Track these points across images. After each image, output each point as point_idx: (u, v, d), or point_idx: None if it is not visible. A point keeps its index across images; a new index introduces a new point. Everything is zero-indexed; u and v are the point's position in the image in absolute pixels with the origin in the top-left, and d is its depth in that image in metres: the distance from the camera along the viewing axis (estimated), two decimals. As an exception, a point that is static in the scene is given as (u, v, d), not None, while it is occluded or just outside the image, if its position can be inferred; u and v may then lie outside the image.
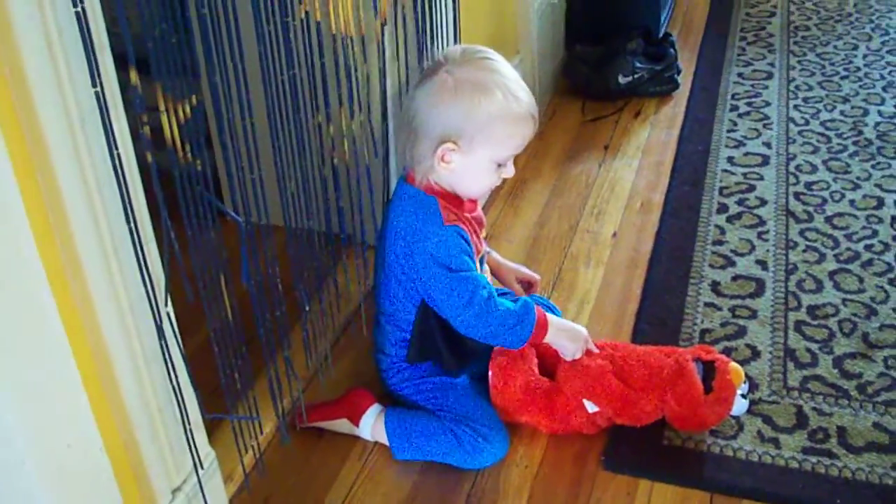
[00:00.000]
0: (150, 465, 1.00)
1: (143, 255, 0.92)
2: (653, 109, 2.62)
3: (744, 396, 1.48)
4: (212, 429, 1.42)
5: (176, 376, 1.00)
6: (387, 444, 1.48)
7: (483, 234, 1.55)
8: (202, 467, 1.07)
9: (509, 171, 1.45)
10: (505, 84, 1.38)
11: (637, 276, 1.89)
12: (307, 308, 1.41)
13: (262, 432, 1.40)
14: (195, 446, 1.05)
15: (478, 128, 1.36)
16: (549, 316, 1.47)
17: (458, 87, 1.36)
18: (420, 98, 1.39)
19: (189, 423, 1.03)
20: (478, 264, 1.48)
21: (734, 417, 1.50)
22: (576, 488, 1.42)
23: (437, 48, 1.78)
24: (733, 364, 1.49)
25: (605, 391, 1.46)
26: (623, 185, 2.25)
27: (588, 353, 1.51)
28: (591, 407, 1.47)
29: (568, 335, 1.49)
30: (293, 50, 1.26)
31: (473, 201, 1.51)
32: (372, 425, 1.49)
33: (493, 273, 1.64)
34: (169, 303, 0.98)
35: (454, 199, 1.45)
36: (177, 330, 1.00)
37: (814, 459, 1.44)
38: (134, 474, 0.99)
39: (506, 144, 1.40)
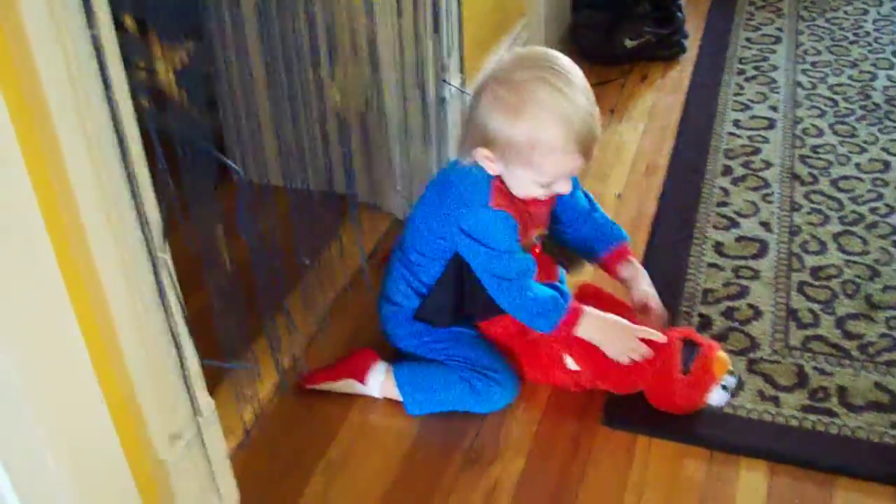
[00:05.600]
0: (148, 411, 1.01)
1: (140, 199, 0.92)
2: (659, 73, 2.60)
3: (725, 388, 1.42)
4: (213, 385, 1.43)
5: (174, 322, 1.00)
6: (398, 399, 1.48)
7: (538, 233, 1.51)
8: (201, 414, 1.07)
9: (561, 188, 1.37)
10: (547, 106, 1.28)
11: (640, 236, 1.88)
12: (306, 262, 1.41)
13: (259, 376, 1.40)
14: (193, 393, 1.05)
15: (514, 149, 1.30)
16: (591, 311, 1.44)
17: (499, 97, 1.30)
18: (475, 91, 1.36)
19: (187, 370, 1.04)
20: None
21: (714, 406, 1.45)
22: (575, 443, 1.42)
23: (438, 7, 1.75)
24: (720, 353, 1.44)
25: (583, 351, 1.46)
26: (628, 147, 2.24)
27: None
28: (571, 364, 1.47)
29: (611, 332, 1.44)
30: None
31: (539, 203, 1.43)
32: (381, 382, 1.49)
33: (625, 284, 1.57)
34: (167, 248, 0.98)
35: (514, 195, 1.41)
36: (174, 276, 1.00)
37: (813, 418, 1.44)
38: (132, 419, 1.00)
39: (545, 170, 1.32)
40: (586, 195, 1.60)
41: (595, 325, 1.44)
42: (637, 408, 1.47)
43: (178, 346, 1.02)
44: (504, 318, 1.49)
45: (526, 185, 1.37)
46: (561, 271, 1.59)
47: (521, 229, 1.41)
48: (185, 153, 1.09)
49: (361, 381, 1.50)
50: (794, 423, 1.43)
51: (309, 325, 1.64)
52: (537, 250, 1.51)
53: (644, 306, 1.52)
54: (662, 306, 1.54)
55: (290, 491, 1.36)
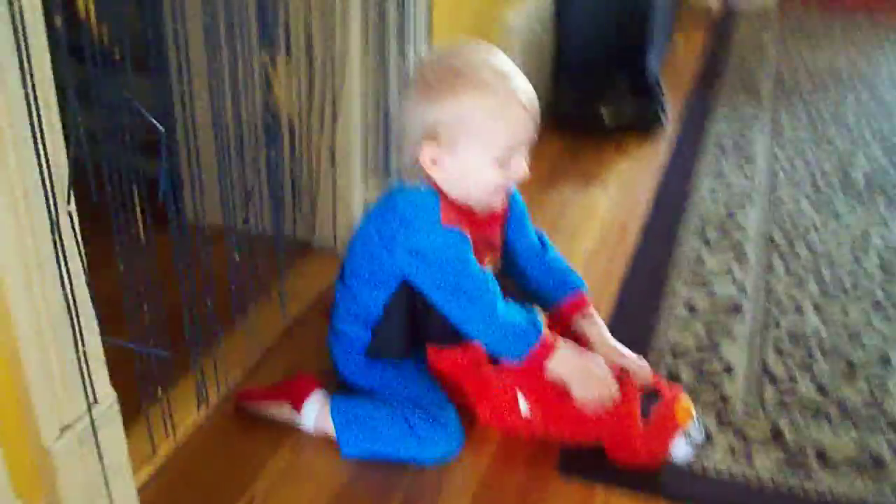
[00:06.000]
0: (36, 395, 0.88)
1: (44, 141, 0.81)
2: (636, 146, 2.54)
3: (689, 438, 1.29)
4: (132, 411, 1.28)
5: (73, 290, 0.88)
6: (331, 436, 1.34)
7: (490, 260, 1.40)
8: (97, 404, 0.94)
9: (518, 170, 1.31)
10: (482, 70, 1.26)
11: (608, 292, 1.78)
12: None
13: (170, 368, 1.25)
14: (90, 378, 0.92)
15: (457, 121, 1.25)
16: (568, 347, 1.32)
17: (432, 82, 1.27)
18: (401, 105, 1.32)
19: (85, 347, 0.91)
20: None
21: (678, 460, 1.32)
22: (524, 492, 1.28)
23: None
24: (684, 399, 1.32)
25: (538, 386, 1.33)
26: (600, 211, 2.15)
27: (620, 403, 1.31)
28: (523, 405, 1.34)
29: (586, 373, 1.31)
30: None
31: (490, 222, 1.38)
32: (316, 413, 1.35)
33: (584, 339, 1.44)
34: (72, 201, 0.86)
35: (465, 211, 1.33)
36: (79, 236, 0.88)
37: (789, 474, 1.31)
38: (14, 396, 0.87)
39: (492, 141, 1.27)
40: (540, 237, 1.50)
41: (570, 362, 1.32)
42: (595, 456, 1.33)
43: (75, 318, 0.89)
44: (454, 349, 1.38)
45: (479, 171, 1.29)
46: (528, 304, 1.47)
47: (473, 253, 1.31)
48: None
49: (297, 407, 1.36)
50: (767, 480, 1.30)
51: (250, 357, 1.52)
52: None
53: (622, 371, 1.37)
54: (640, 358, 1.42)
55: (204, 527, 1.21)
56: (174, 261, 1.23)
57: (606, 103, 2.57)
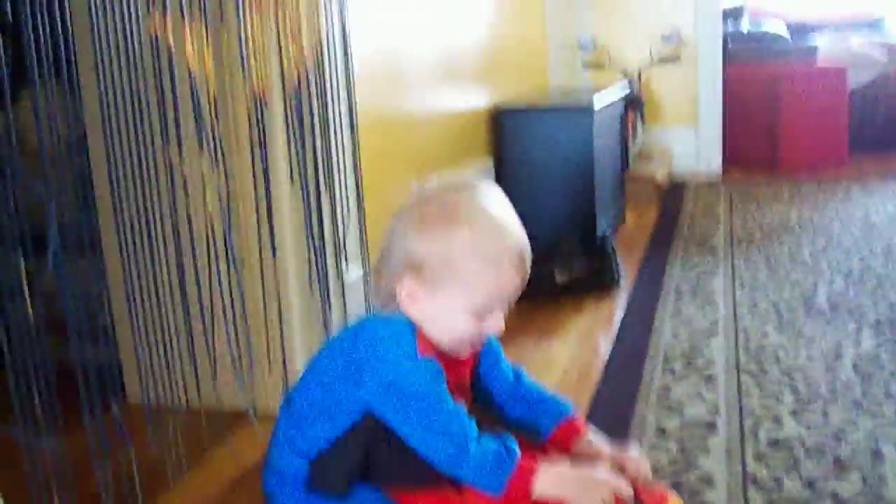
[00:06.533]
0: None
1: None
2: (593, 302, 2.46)
3: None
4: None
5: None
6: None
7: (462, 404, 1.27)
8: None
9: (494, 325, 1.23)
10: (480, 217, 1.19)
11: (571, 428, 1.64)
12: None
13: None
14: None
15: (444, 263, 1.17)
16: (551, 465, 1.18)
17: (426, 215, 1.19)
18: (392, 225, 1.24)
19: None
20: None
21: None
22: None
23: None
24: (672, 499, 1.20)
25: None
26: (558, 361, 2.04)
27: None
28: None
29: (579, 485, 1.17)
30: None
31: (462, 363, 1.28)
32: None
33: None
34: None
35: (438, 350, 1.23)
36: None
37: (787, 576, 1.14)
38: None
39: (479, 290, 1.19)
40: (515, 371, 1.39)
41: (557, 480, 1.16)
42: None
43: None
44: (426, 494, 1.22)
45: (455, 318, 1.20)
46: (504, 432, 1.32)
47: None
48: None
49: None
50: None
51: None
52: None
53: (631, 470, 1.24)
54: (640, 457, 1.28)
55: None
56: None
57: (558, 265, 2.51)
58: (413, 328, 1.20)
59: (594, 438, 1.31)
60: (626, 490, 1.16)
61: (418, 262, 1.18)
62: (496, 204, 1.23)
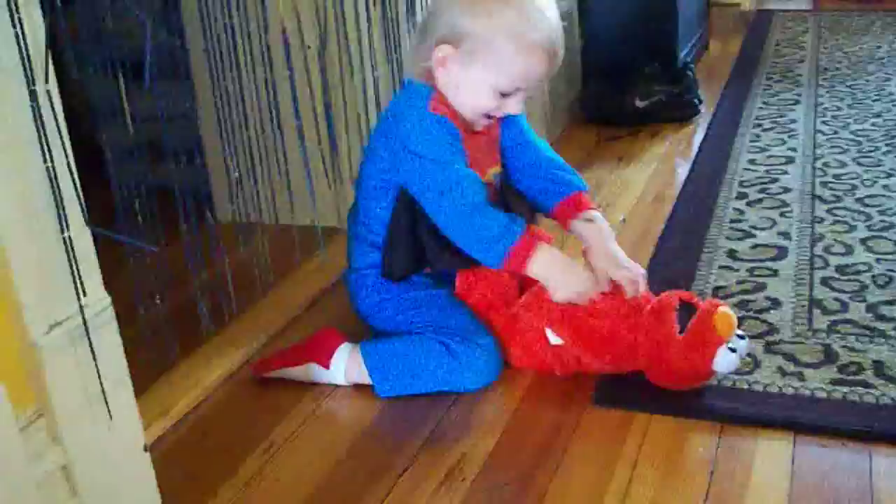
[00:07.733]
0: (22, 287, 0.84)
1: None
2: (672, 131, 2.47)
3: (733, 350, 1.20)
4: (157, 372, 1.31)
5: (57, 176, 0.84)
6: (366, 382, 1.28)
7: (494, 171, 1.37)
8: (86, 303, 0.89)
9: (513, 107, 1.30)
10: (528, 5, 1.25)
11: (645, 248, 1.70)
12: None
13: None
14: (79, 274, 0.87)
15: (481, 39, 1.24)
16: (548, 248, 1.27)
17: None
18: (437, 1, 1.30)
19: (71, 242, 0.86)
20: None
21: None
22: (558, 424, 1.20)
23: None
24: (723, 309, 1.22)
25: (567, 319, 1.26)
26: (636, 184, 2.09)
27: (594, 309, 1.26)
28: (553, 338, 1.27)
29: (565, 272, 1.27)
30: None
31: (479, 133, 1.35)
32: (347, 365, 1.29)
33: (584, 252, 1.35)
34: (52, 78, 0.83)
35: (460, 119, 1.30)
36: (61, 119, 0.85)
37: (845, 389, 1.21)
38: (2, 295, 0.83)
39: (508, 70, 1.25)
40: (537, 143, 1.44)
41: (549, 262, 1.26)
42: (633, 385, 1.25)
43: (60, 207, 0.85)
44: (479, 282, 1.32)
45: (479, 91, 1.27)
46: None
47: (470, 160, 1.28)
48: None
49: (325, 364, 1.30)
50: (821, 394, 1.21)
51: (275, 322, 1.48)
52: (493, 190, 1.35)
53: (609, 271, 1.29)
54: (635, 264, 1.32)
55: (222, 469, 1.15)
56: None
57: (638, 94, 2.51)
58: (429, 91, 1.29)
59: (597, 220, 1.35)
60: (594, 296, 1.26)
61: (460, 34, 1.25)
62: None
